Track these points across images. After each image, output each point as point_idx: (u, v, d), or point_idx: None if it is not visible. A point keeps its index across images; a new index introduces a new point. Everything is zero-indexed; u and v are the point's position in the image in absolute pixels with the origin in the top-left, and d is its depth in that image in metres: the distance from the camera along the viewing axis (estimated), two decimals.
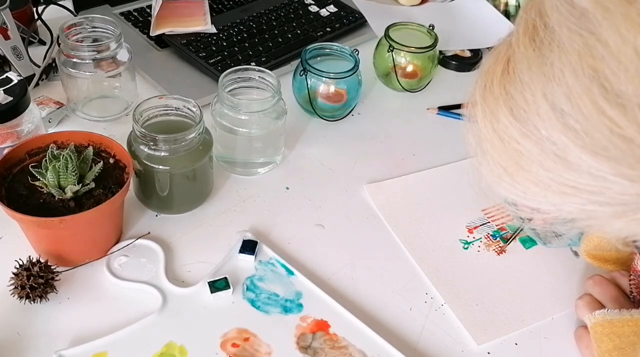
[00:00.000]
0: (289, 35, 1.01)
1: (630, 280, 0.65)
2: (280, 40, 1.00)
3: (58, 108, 0.83)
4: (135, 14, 1.04)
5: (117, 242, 0.68)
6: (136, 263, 0.67)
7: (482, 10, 1.15)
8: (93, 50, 0.79)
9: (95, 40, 0.81)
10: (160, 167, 0.67)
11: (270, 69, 0.81)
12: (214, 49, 0.95)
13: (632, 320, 0.58)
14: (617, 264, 0.69)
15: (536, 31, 0.36)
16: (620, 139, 0.33)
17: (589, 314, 0.61)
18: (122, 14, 1.04)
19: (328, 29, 1.05)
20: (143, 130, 0.65)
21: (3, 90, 0.68)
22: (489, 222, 0.76)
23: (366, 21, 1.07)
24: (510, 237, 0.74)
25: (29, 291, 0.60)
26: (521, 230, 0.75)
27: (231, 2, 1.09)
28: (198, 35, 0.97)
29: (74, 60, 0.79)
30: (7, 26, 0.84)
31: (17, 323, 0.60)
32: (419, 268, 0.70)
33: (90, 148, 0.66)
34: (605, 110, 0.33)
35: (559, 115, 0.35)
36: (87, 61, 0.79)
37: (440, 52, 1.03)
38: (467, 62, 1.04)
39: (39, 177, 0.62)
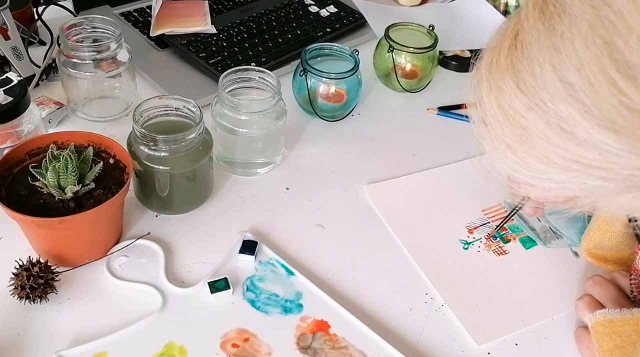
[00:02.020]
0: (289, 36, 1.01)
1: (630, 280, 0.65)
2: (280, 40, 1.00)
3: (58, 108, 0.83)
4: (136, 14, 1.04)
5: (117, 243, 0.68)
6: (136, 263, 0.66)
7: (482, 11, 1.15)
8: (93, 51, 0.79)
9: (95, 40, 0.81)
10: (160, 167, 0.67)
11: (270, 70, 0.81)
12: (214, 49, 0.95)
13: (632, 319, 0.58)
14: (618, 264, 0.69)
15: (546, 4, 0.36)
16: (630, 111, 0.33)
17: (589, 314, 0.61)
18: (122, 14, 1.04)
19: (328, 30, 1.05)
20: (143, 130, 0.65)
21: (3, 90, 0.68)
22: (489, 222, 0.76)
23: (366, 21, 1.07)
24: (508, 215, 0.75)
25: (29, 291, 0.60)
26: (519, 209, 0.75)
27: (231, 3, 1.09)
28: (198, 36, 0.97)
29: (74, 60, 0.79)
30: (7, 26, 0.84)
31: (17, 323, 0.60)
32: (419, 268, 0.70)
33: (90, 148, 0.66)
34: (615, 81, 0.32)
35: (567, 87, 0.34)
36: (87, 61, 0.79)
37: (440, 52, 1.03)
38: (467, 62, 1.04)
39: (39, 177, 0.62)
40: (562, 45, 0.34)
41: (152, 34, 0.97)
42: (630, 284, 0.65)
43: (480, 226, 0.76)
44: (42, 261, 0.61)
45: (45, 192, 0.62)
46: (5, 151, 0.65)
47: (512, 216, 0.75)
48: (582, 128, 0.35)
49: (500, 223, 0.75)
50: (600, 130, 0.34)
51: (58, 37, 0.80)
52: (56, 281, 0.62)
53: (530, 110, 0.37)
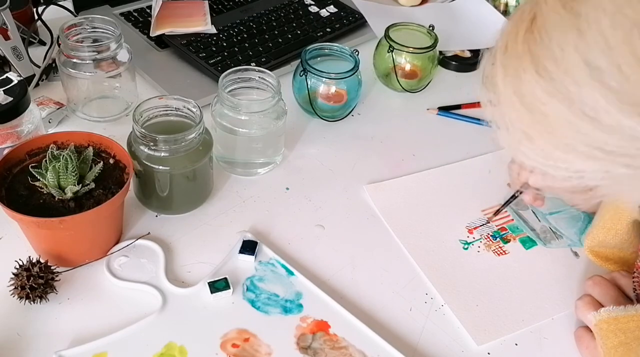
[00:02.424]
0: (289, 36, 1.01)
1: (634, 278, 0.64)
2: (280, 40, 1.00)
3: (58, 108, 0.83)
4: (136, 14, 1.04)
5: (117, 243, 0.68)
6: (136, 263, 0.66)
7: (482, 11, 1.15)
8: (93, 51, 0.79)
9: (95, 40, 0.81)
10: (160, 167, 0.67)
11: (270, 70, 0.81)
12: (214, 49, 0.95)
13: (637, 315, 0.58)
14: (619, 263, 0.69)
15: None
16: None
17: (593, 312, 0.61)
18: (122, 14, 1.04)
19: (328, 30, 1.05)
20: (143, 130, 0.65)
21: (3, 90, 0.68)
22: (488, 222, 0.76)
23: (366, 21, 1.07)
24: (507, 200, 0.75)
25: (29, 291, 0.60)
26: (514, 197, 0.75)
27: (231, 3, 1.09)
28: (198, 36, 0.97)
29: (74, 60, 0.79)
30: (7, 26, 0.84)
31: (17, 323, 0.60)
32: (419, 268, 0.70)
33: (90, 148, 0.66)
34: None
35: (593, 71, 0.33)
36: (87, 62, 0.79)
37: (440, 52, 1.03)
38: (467, 62, 1.04)
39: (39, 177, 0.62)
40: (586, 27, 0.33)
41: (152, 34, 0.97)
42: (633, 281, 0.64)
43: (480, 226, 0.76)
44: (42, 261, 0.61)
45: (45, 192, 0.62)
46: (5, 151, 0.65)
47: (511, 201, 0.75)
48: (608, 114, 0.33)
49: (501, 208, 0.75)
50: (628, 115, 0.32)
51: (58, 37, 0.80)
52: (56, 281, 0.62)
53: (552, 96, 0.35)
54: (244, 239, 0.69)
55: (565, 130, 0.35)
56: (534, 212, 0.78)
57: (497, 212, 0.76)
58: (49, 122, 0.82)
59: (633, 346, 0.57)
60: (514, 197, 0.75)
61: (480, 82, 0.42)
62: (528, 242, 0.74)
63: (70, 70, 0.79)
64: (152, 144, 0.66)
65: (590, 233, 0.70)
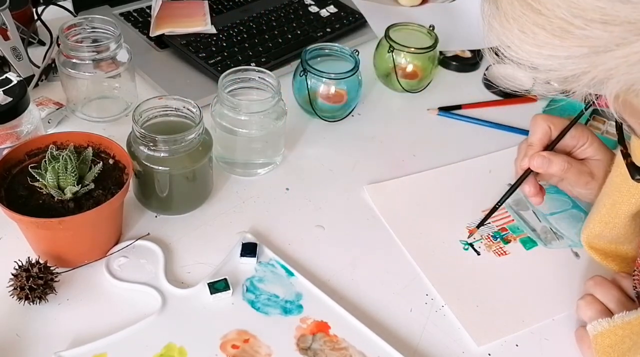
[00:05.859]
0: (289, 36, 1.01)
1: (634, 275, 0.64)
2: (280, 40, 1.00)
3: (57, 109, 0.83)
4: (135, 14, 1.04)
5: (116, 243, 0.68)
6: (136, 264, 0.66)
7: None
8: (93, 51, 0.79)
9: (94, 40, 0.81)
10: (160, 168, 0.67)
11: (270, 70, 0.81)
12: (214, 49, 0.95)
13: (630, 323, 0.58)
14: (617, 261, 0.68)
15: None
16: None
17: (589, 325, 0.60)
18: (121, 14, 1.04)
19: (328, 30, 1.04)
20: (142, 131, 0.65)
21: (3, 90, 0.68)
22: (489, 223, 0.76)
23: (366, 22, 1.06)
24: (511, 188, 0.72)
25: (28, 292, 0.59)
26: (514, 190, 0.72)
27: (231, 3, 1.09)
28: (198, 36, 0.97)
29: (74, 60, 0.79)
30: (6, 27, 0.84)
31: (16, 324, 0.60)
32: (419, 269, 0.70)
33: (90, 149, 0.66)
34: None
35: None
36: (87, 62, 0.79)
37: (441, 52, 1.03)
38: (468, 62, 1.04)
39: (38, 178, 0.61)
40: None
41: (151, 34, 0.97)
42: (634, 279, 0.64)
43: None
44: (41, 261, 0.61)
45: (44, 192, 0.62)
46: (5, 152, 0.65)
47: (510, 194, 0.72)
48: None
49: (501, 199, 0.73)
50: None
51: (57, 37, 0.80)
52: (55, 281, 0.62)
53: None
54: (243, 242, 0.69)
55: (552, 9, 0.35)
56: (534, 213, 0.78)
57: (495, 208, 0.73)
58: (49, 122, 0.82)
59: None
60: (512, 188, 0.72)
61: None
62: (528, 243, 0.74)
63: (69, 70, 0.79)
64: (151, 144, 0.66)
65: (587, 227, 0.69)
